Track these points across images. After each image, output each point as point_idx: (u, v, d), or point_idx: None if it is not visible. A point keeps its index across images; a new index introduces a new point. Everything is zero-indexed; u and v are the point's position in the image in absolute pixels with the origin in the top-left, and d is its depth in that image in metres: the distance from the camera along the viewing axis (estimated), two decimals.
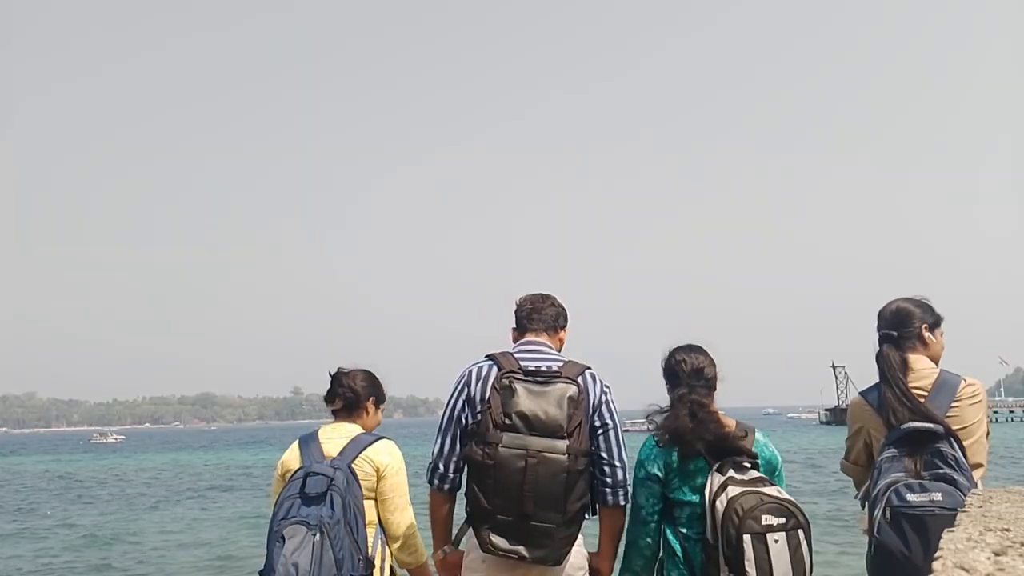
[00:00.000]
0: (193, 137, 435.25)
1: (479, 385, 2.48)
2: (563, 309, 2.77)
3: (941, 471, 2.42)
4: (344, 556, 2.58)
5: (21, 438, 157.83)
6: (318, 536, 2.56)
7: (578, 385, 2.40)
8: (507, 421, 2.29)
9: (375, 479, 2.80)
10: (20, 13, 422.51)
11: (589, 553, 2.58)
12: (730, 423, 2.60)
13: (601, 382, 2.56)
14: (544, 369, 2.46)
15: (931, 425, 2.51)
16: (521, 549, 2.26)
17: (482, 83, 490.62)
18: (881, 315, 2.85)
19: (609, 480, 2.50)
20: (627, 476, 2.54)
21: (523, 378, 2.38)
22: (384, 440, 2.89)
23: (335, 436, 2.88)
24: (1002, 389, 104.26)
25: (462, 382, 2.54)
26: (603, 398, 2.53)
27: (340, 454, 2.80)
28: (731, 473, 2.43)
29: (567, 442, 2.28)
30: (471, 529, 2.37)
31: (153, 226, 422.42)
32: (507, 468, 2.24)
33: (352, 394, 2.96)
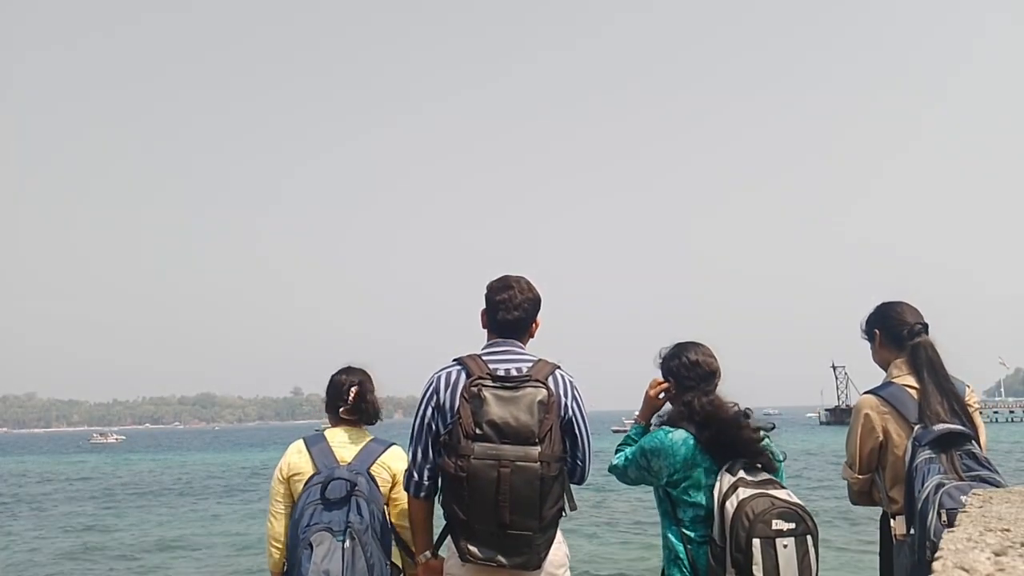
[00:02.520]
0: (202, 141, 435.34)
1: (448, 392, 2.44)
2: (536, 297, 2.65)
3: (978, 472, 2.43)
4: (375, 563, 2.59)
5: (21, 438, 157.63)
6: (347, 543, 2.55)
7: (548, 388, 2.37)
8: (478, 431, 2.26)
9: (390, 486, 2.82)
10: (20, 10, 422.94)
11: None
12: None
13: (570, 381, 2.53)
14: (514, 373, 2.44)
15: (963, 427, 2.52)
16: (500, 557, 2.26)
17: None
18: (901, 308, 2.82)
19: (576, 479, 2.52)
20: (589, 467, 2.56)
21: (492, 385, 2.34)
22: (396, 447, 2.90)
23: (347, 441, 2.87)
24: (1002, 389, 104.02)
25: (431, 389, 2.49)
26: (572, 395, 2.51)
27: (357, 460, 2.79)
28: (741, 474, 2.43)
29: (539, 448, 2.26)
30: (449, 537, 2.38)
31: (153, 227, 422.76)
32: (481, 479, 2.22)
33: (373, 412, 2.99)
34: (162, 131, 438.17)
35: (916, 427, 2.56)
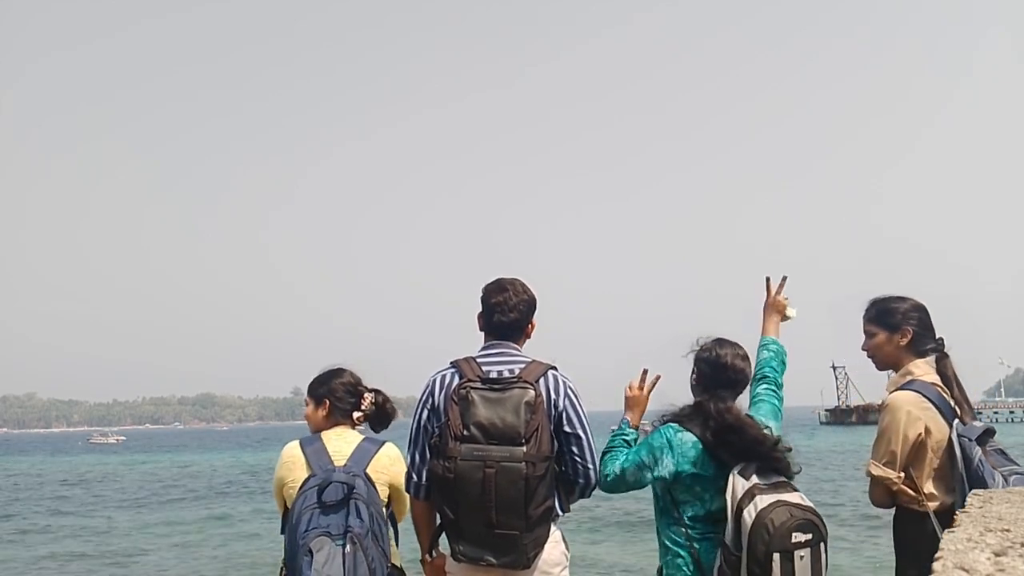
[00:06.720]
0: (204, 142, 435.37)
1: (442, 395, 2.50)
2: (530, 299, 2.66)
3: (1011, 466, 2.54)
4: (376, 567, 2.59)
5: (21, 438, 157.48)
6: (348, 547, 2.55)
7: (536, 389, 2.39)
8: (465, 432, 2.31)
9: (387, 485, 2.82)
10: (20, 14, 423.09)
11: None
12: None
13: (564, 382, 2.53)
14: (506, 374, 2.47)
15: (991, 424, 2.66)
16: (489, 557, 2.31)
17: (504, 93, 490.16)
18: (926, 312, 2.83)
19: (581, 480, 2.51)
20: (597, 474, 2.55)
21: (480, 387, 2.38)
22: (389, 444, 2.90)
23: (341, 443, 2.86)
24: (1002, 389, 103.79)
25: (426, 392, 2.55)
26: (566, 396, 2.51)
27: (352, 461, 2.77)
28: (755, 479, 2.40)
29: (525, 449, 2.29)
30: (444, 535, 2.44)
31: (153, 227, 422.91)
32: (468, 480, 2.27)
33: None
34: (167, 131, 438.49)
35: (956, 423, 2.62)
